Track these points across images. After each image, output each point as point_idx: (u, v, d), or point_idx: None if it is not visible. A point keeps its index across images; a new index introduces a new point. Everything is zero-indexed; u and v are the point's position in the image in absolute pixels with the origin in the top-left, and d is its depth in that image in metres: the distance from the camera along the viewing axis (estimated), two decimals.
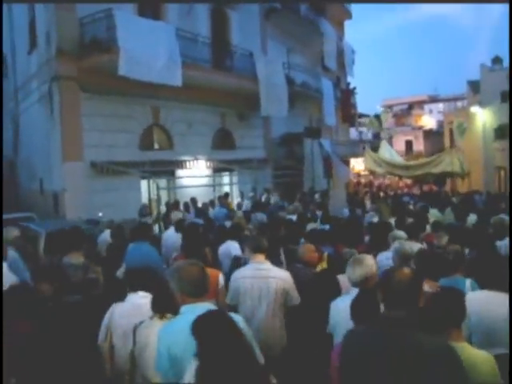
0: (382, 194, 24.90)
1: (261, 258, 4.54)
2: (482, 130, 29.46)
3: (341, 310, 3.62)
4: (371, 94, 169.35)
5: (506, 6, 20.48)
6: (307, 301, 4.44)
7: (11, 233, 6.48)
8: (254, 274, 4.41)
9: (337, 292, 4.18)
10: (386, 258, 5.24)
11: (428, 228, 8.21)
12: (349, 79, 30.66)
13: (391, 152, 22.15)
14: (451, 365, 2.16)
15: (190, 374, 2.41)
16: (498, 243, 6.22)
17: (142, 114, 15.15)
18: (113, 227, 8.39)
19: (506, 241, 6.21)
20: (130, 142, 14.75)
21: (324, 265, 5.42)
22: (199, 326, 2.40)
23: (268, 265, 4.53)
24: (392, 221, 8.18)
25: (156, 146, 16.17)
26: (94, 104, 13.60)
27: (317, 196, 18.14)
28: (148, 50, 12.76)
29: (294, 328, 4.47)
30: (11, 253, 5.70)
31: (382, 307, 2.49)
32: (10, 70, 18.25)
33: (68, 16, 12.87)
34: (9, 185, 18.01)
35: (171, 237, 8.00)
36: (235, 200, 16.27)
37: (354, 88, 30.76)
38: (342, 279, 4.30)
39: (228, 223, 8.86)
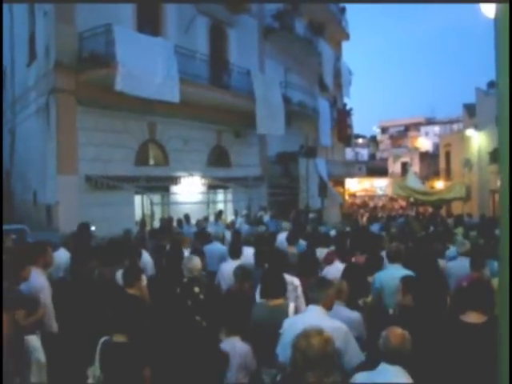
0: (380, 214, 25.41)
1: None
2: (477, 154, 29.62)
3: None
4: (367, 115, 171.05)
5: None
6: None
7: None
8: None
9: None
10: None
11: None
12: (345, 100, 30.89)
13: (416, 179, 24.58)
14: None
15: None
16: None
17: (138, 129, 15.16)
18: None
19: None
20: (126, 156, 14.74)
21: None
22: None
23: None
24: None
25: (151, 161, 16.15)
26: (90, 118, 13.60)
27: (311, 215, 18.17)
28: (146, 65, 12.81)
29: None
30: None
31: None
32: (9, 82, 18.31)
33: (67, 30, 12.94)
34: (4, 196, 17.92)
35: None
36: (229, 217, 16.22)
37: (351, 109, 30.99)
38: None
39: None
